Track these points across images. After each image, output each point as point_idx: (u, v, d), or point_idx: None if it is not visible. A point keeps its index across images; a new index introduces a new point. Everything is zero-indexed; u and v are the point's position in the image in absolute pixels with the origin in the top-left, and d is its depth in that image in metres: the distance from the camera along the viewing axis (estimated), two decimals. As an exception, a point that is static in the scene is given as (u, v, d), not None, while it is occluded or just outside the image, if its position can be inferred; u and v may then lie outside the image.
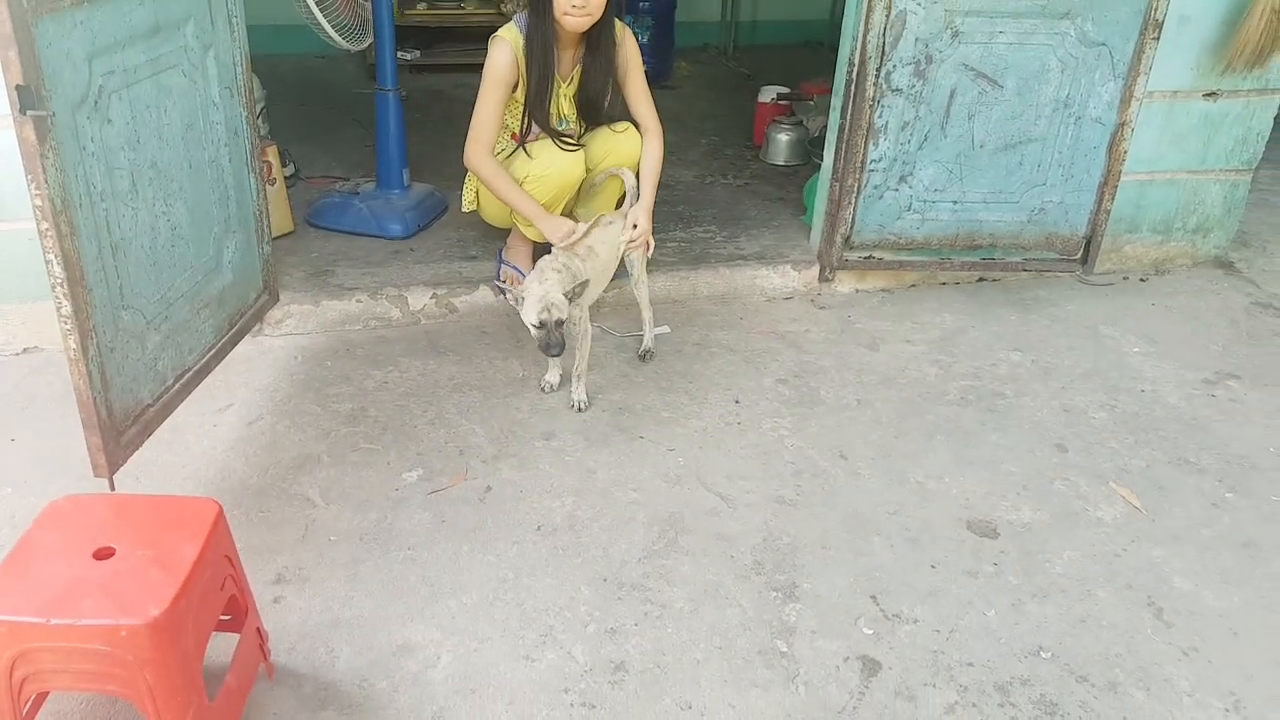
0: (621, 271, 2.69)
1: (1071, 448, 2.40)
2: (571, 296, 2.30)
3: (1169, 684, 1.75)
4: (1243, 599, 1.95)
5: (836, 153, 2.91)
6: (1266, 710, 1.72)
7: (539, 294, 2.26)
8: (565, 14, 2.45)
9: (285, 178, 3.14)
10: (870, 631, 1.85)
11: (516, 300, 2.30)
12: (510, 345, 2.76)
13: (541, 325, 2.25)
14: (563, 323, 2.26)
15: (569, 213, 2.95)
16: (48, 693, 1.61)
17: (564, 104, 2.71)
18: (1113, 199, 2.95)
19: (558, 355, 2.30)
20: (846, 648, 1.81)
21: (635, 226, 2.59)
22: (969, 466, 2.33)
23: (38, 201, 1.61)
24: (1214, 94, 3.07)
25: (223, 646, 1.65)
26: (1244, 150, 3.18)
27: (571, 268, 2.38)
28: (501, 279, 2.87)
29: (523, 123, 2.69)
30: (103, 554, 1.43)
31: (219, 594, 1.53)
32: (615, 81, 2.68)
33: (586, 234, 2.51)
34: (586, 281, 2.37)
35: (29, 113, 1.53)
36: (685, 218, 3.41)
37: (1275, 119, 3.17)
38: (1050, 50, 2.74)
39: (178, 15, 2.01)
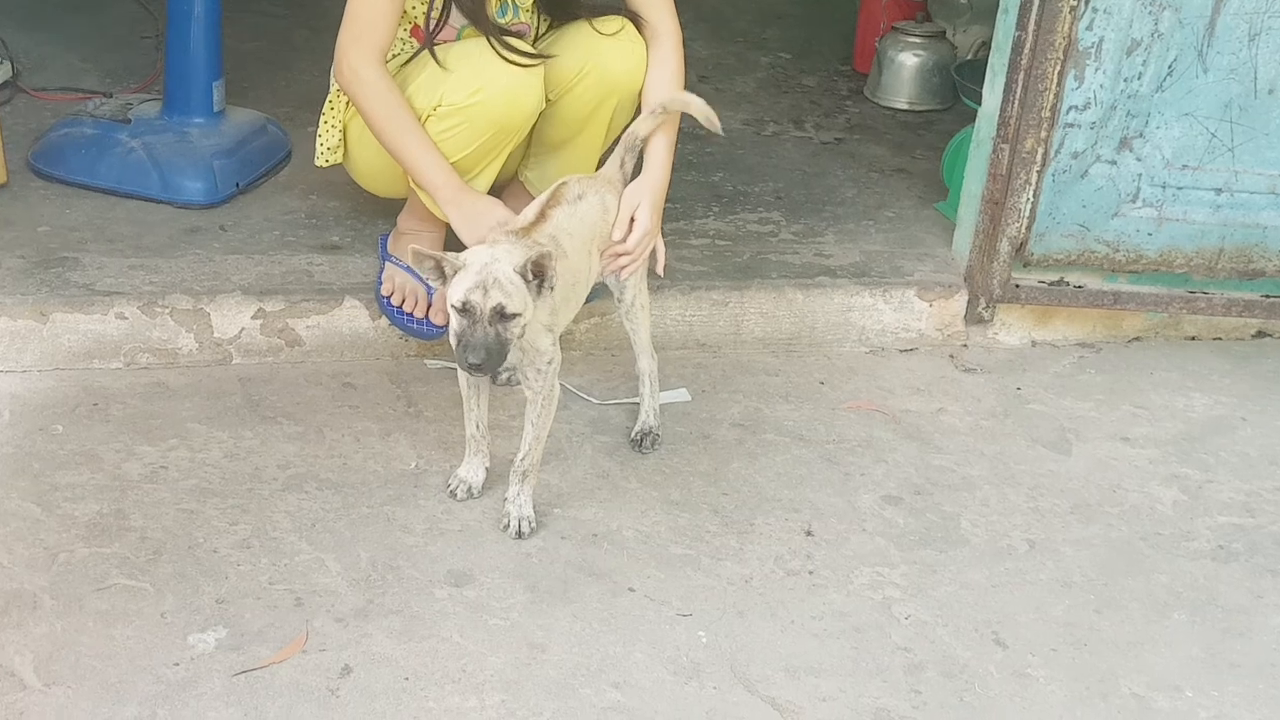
0: (605, 290, 2.75)
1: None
2: (534, 278, 2.32)
3: None
4: None
5: (1007, 91, 2.99)
6: None
7: (480, 262, 2.31)
8: None
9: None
10: None
11: (446, 274, 2.33)
12: (397, 410, 2.79)
13: (466, 309, 2.29)
14: (506, 320, 2.29)
15: (510, 180, 3.02)
16: None
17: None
18: None
19: (482, 372, 2.34)
20: None
21: (632, 220, 2.64)
22: (1231, 672, 2.34)
23: None
24: None
25: None
26: None
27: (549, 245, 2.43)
28: (387, 291, 2.92)
29: (434, 9, 2.75)
30: None
31: None
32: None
33: (539, 219, 2.54)
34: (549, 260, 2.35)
35: None
36: (725, 196, 3.46)
37: None
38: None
39: None
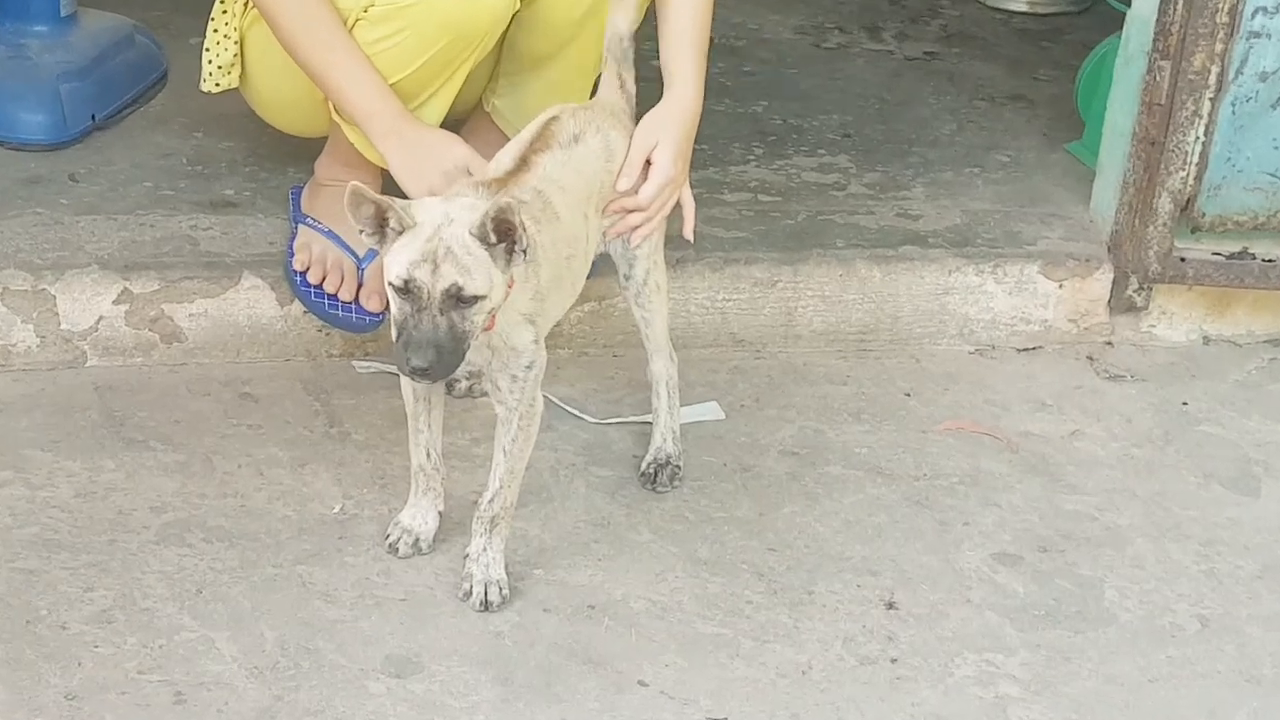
0: (605, 265, 2.74)
1: None
2: (498, 241, 2.25)
3: None
4: None
5: (1167, -11, 3.01)
6: None
7: (432, 223, 2.26)
8: None
9: None
10: None
11: (389, 232, 2.28)
12: (313, 430, 2.81)
13: (409, 289, 2.27)
14: (464, 305, 2.24)
15: (472, 110, 3.06)
16: None
17: None
18: None
19: (430, 378, 2.33)
20: None
21: (648, 165, 2.65)
22: None
23: None
24: None
25: None
26: None
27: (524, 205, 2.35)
28: (299, 265, 2.91)
29: None
30: None
31: None
32: None
33: (519, 167, 2.52)
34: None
35: None
36: (773, 134, 3.48)
37: None
38: None
39: None
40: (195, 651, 2.38)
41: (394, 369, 2.89)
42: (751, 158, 3.40)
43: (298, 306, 2.95)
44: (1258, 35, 2.92)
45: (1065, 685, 2.45)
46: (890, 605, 2.57)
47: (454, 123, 2.96)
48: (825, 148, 3.46)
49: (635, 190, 2.61)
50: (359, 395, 2.93)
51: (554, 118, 2.59)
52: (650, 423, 2.79)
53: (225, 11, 2.89)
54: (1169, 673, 2.49)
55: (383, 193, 2.79)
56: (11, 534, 2.56)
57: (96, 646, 2.37)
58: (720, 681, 2.41)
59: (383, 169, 2.81)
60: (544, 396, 2.72)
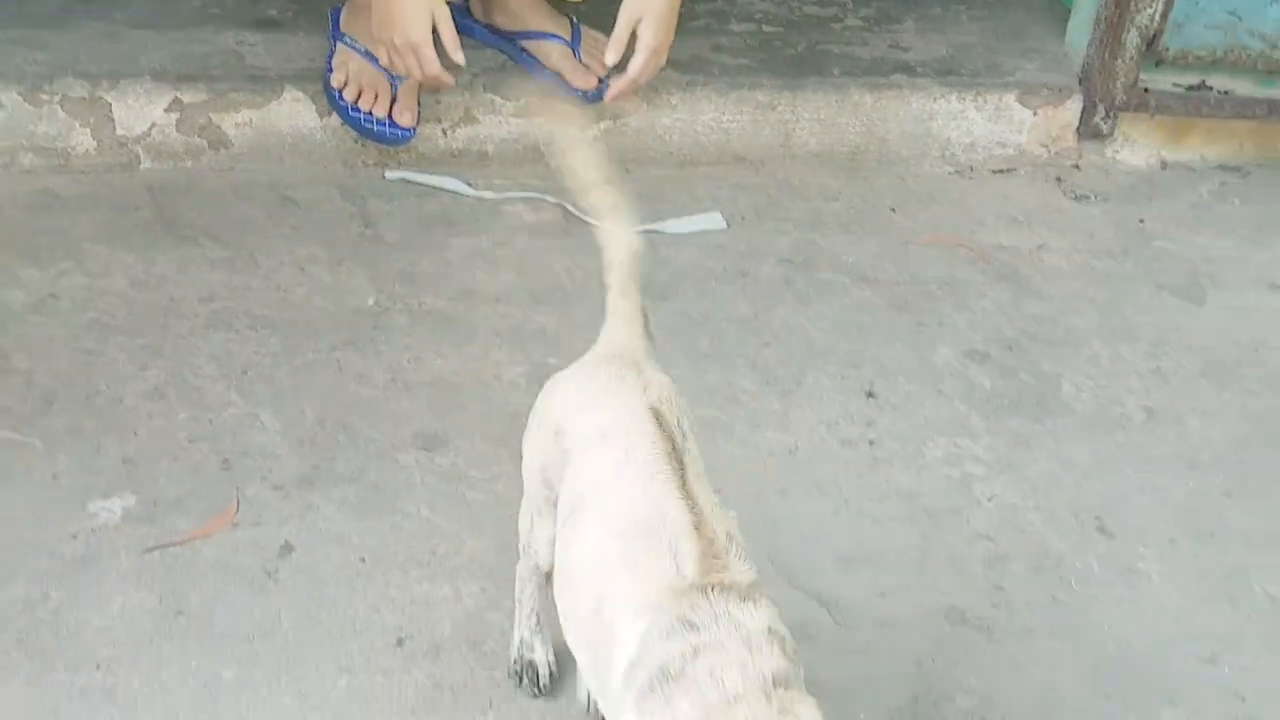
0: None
1: None
2: None
3: None
4: None
5: None
6: None
7: None
8: None
9: None
10: None
11: None
12: (349, 230, 2.86)
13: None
14: None
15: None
16: None
17: None
18: None
19: None
20: None
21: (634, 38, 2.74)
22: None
23: None
24: None
25: None
26: None
27: None
28: (337, 83, 2.97)
29: None
30: None
31: None
32: None
33: None
34: None
35: None
36: (774, -32, 3.50)
37: None
38: None
39: None
40: (241, 424, 2.47)
41: (425, 179, 2.99)
42: None
43: (336, 119, 2.98)
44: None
45: (1024, 467, 2.55)
46: (870, 395, 2.65)
47: None
48: None
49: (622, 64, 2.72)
50: (391, 201, 2.97)
51: None
52: (659, 232, 2.89)
53: None
54: (1116, 456, 2.58)
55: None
56: (72, 318, 2.62)
57: (151, 418, 2.45)
58: (716, 459, 2.36)
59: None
60: (558, 204, 2.83)
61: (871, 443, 2.58)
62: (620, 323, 2.13)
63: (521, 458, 2.05)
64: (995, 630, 2.28)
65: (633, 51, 2.75)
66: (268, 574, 2.25)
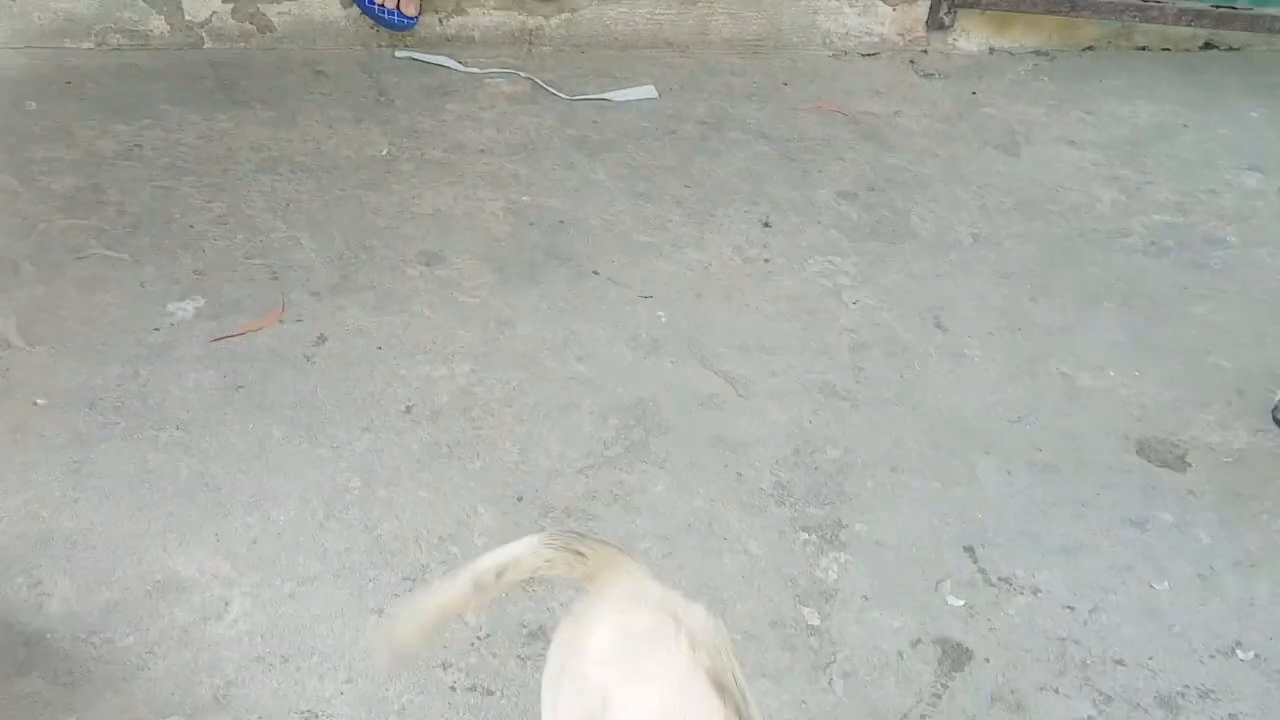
0: None
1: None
2: None
3: None
4: None
5: None
6: None
7: None
8: None
9: None
10: (959, 602, 1.97)
11: None
12: (367, 97, 2.81)
13: None
14: None
15: None
16: None
17: None
18: None
19: None
20: (917, 625, 1.92)
21: None
22: (1152, 355, 2.44)
23: None
24: None
25: None
26: None
27: None
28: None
29: None
30: None
31: None
32: None
33: None
34: None
35: None
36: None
37: None
38: None
39: None
40: (285, 245, 2.46)
41: (426, 57, 2.95)
42: None
43: (356, 10, 2.94)
44: None
45: (880, 278, 2.55)
46: (766, 224, 2.65)
47: None
48: None
49: None
50: (399, 75, 2.94)
51: None
52: (606, 100, 2.86)
53: None
54: (950, 271, 2.59)
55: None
56: (153, 162, 2.61)
57: (215, 240, 2.45)
58: (649, 273, 2.50)
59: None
60: (530, 79, 2.80)
61: (766, 260, 2.58)
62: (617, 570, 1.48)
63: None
64: (857, 399, 2.30)
65: None
66: (307, 358, 2.25)
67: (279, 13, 2.94)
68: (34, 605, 1.86)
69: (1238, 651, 1.99)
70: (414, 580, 1.95)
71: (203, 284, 2.36)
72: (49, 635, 1.83)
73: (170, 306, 2.31)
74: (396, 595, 1.95)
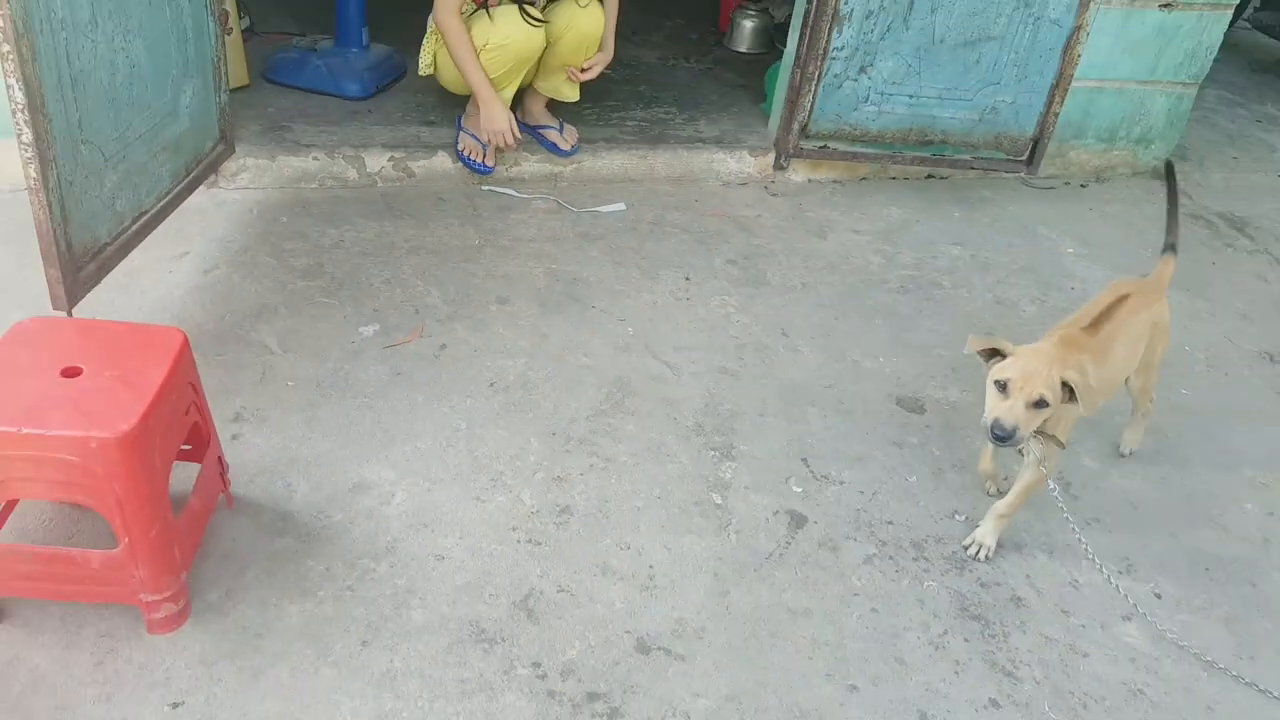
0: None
1: (1000, 336, 2.53)
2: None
3: (1069, 549, 1.92)
4: (1144, 477, 2.12)
5: (800, 38, 2.94)
6: (1153, 572, 1.90)
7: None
8: None
9: (240, 30, 3.08)
10: (799, 490, 2.00)
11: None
12: (467, 212, 2.78)
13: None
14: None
15: (529, 83, 2.95)
16: (17, 500, 1.68)
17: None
18: (1062, 102, 3.03)
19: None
20: (776, 503, 1.95)
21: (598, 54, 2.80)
22: (903, 349, 2.45)
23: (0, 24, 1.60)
24: (1169, 4, 3.14)
25: (183, 478, 1.72)
26: (1193, 63, 3.27)
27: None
28: (460, 147, 2.88)
29: (489, -15, 2.67)
30: (70, 372, 1.48)
31: (184, 419, 1.60)
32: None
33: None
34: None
35: (-10, -73, 1.50)
36: (646, 98, 3.41)
37: (1224, 38, 3.26)
38: (1016, -52, 2.78)
39: None
40: (422, 294, 2.41)
41: (505, 190, 2.88)
42: (636, 108, 3.30)
43: (459, 164, 2.89)
44: (833, 59, 2.90)
45: (751, 308, 2.53)
46: (687, 279, 2.61)
47: (520, 92, 2.88)
48: (666, 105, 3.36)
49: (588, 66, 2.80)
50: (484, 199, 2.86)
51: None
52: (610, 211, 2.82)
53: (430, 40, 2.82)
54: (790, 303, 2.56)
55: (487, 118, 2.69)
56: (351, 249, 2.54)
57: (385, 293, 2.41)
58: (624, 307, 2.47)
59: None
60: (555, 199, 2.76)
61: (688, 298, 2.57)
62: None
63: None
64: (740, 376, 2.32)
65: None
66: (435, 357, 2.24)
67: (419, 165, 2.89)
68: (286, 496, 1.85)
69: (956, 516, 2.00)
70: (495, 481, 1.94)
71: (378, 316, 2.33)
72: (295, 513, 1.83)
73: (360, 329, 2.29)
74: (483, 491, 1.93)
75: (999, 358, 1.67)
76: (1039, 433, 1.71)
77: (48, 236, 1.81)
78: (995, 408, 1.63)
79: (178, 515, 1.58)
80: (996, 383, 1.64)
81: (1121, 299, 1.84)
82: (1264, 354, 2.59)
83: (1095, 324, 1.80)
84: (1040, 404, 1.61)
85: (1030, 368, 1.61)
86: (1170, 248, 2.03)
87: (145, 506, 1.46)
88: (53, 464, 1.41)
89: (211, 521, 1.74)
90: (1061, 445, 1.77)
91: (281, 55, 3.18)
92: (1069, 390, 1.63)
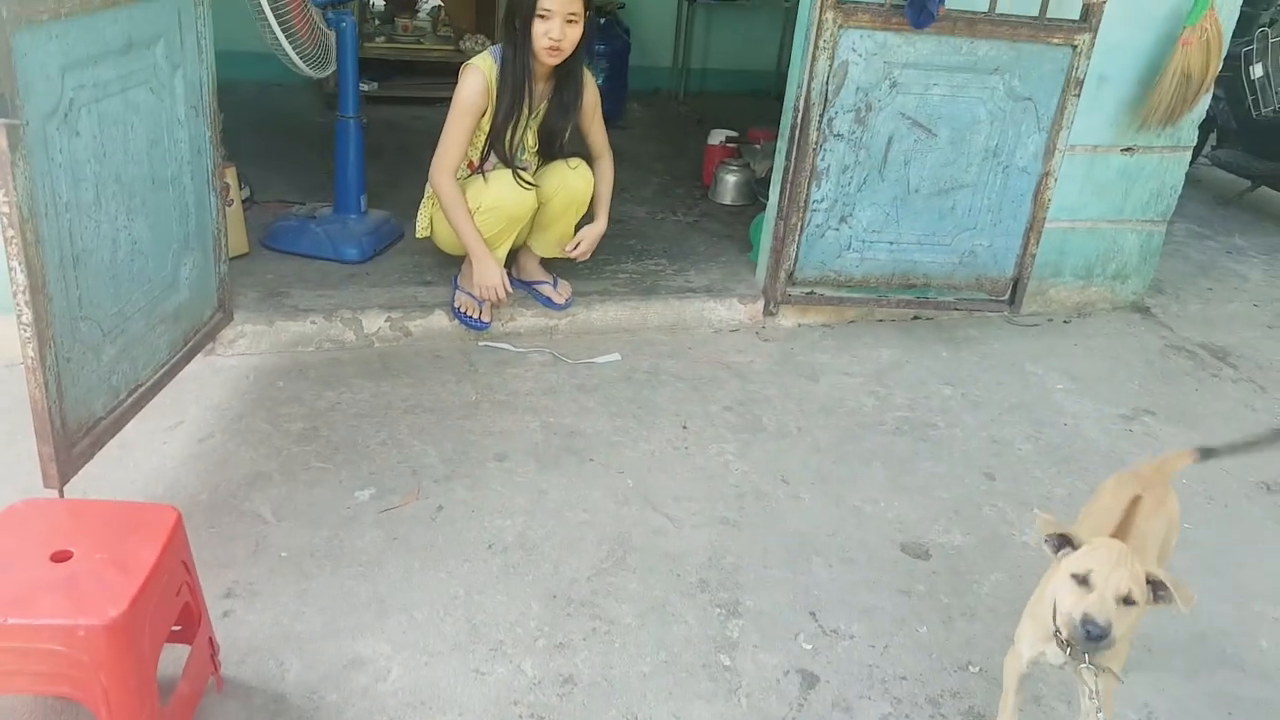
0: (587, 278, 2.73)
1: (999, 476, 2.50)
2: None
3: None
4: (1153, 616, 2.05)
5: (781, 192, 3.01)
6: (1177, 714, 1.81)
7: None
8: (544, 48, 2.56)
9: (241, 200, 3.14)
10: (809, 646, 1.91)
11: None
12: (464, 369, 2.78)
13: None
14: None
15: (523, 244, 3.00)
16: (-5, 698, 1.59)
17: (528, 134, 2.78)
18: (1038, 244, 3.10)
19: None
20: (786, 661, 1.86)
21: (579, 244, 2.83)
22: (903, 492, 2.41)
23: (4, 209, 1.62)
24: (1131, 149, 3.26)
25: (172, 660, 1.64)
26: (1159, 202, 3.37)
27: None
28: (457, 304, 2.90)
29: (483, 151, 2.75)
30: (60, 556, 1.43)
31: (174, 600, 1.53)
32: (577, 121, 2.79)
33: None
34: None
35: (2, 120, 1.54)
36: (637, 251, 3.47)
37: (1186, 176, 3.37)
38: (980, 103, 2.88)
39: (149, 34, 2.03)
40: (419, 454, 2.36)
41: (501, 345, 2.88)
42: (628, 261, 3.36)
43: (456, 322, 2.90)
44: (814, 210, 2.97)
45: (749, 455, 2.49)
46: (685, 428, 2.58)
47: (513, 252, 2.92)
48: (657, 256, 3.42)
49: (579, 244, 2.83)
50: (480, 355, 2.86)
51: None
52: (607, 362, 2.82)
53: (426, 203, 2.88)
54: (787, 449, 2.52)
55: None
56: (347, 411, 2.50)
57: (381, 454, 2.36)
58: (621, 458, 2.43)
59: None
60: (551, 352, 2.75)
61: (686, 448, 2.53)
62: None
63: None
64: (741, 526, 2.27)
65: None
66: (431, 519, 2.19)
67: (416, 325, 2.90)
68: (278, 677, 1.76)
69: (970, 667, 1.92)
70: (495, 651, 1.85)
71: (374, 479, 2.29)
72: (287, 695, 1.74)
73: (356, 494, 2.24)
74: (482, 663, 1.85)
75: (1068, 547, 1.43)
76: (1093, 663, 1.42)
77: (42, 414, 1.78)
78: (1080, 602, 1.35)
79: (166, 703, 1.50)
80: (1074, 575, 1.38)
81: (1134, 502, 1.60)
82: (1261, 484, 2.56)
83: (1118, 535, 1.54)
84: (1129, 601, 1.35)
85: (1114, 558, 1.36)
86: (1207, 453, 1.75)
87: (132, 698, 1.38)
88: (38, 654, 1.34)
89: (201, 706, 1.65)
90: (1118, 679, 1.48)
91: (281, 223, 3.24)
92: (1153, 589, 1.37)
